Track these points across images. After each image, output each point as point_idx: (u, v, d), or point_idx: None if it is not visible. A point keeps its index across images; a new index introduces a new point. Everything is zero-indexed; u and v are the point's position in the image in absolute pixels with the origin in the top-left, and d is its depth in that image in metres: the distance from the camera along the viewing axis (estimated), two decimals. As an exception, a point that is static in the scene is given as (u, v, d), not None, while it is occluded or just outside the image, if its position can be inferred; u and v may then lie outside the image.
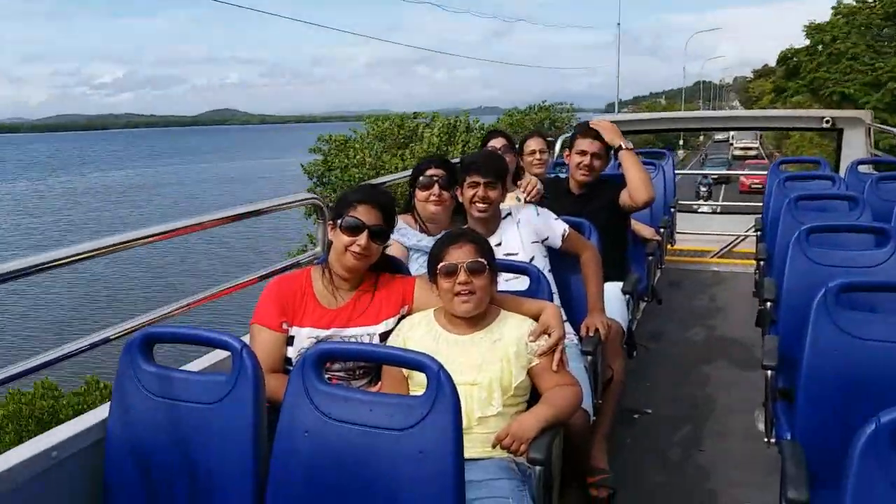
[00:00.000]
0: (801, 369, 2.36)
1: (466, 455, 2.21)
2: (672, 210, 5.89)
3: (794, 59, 32.97)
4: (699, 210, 10.73)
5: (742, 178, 28.14)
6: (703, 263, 7.18)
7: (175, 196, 57.82)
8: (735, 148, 54.99)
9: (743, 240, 7.24)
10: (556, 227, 3.23)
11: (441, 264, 2.35)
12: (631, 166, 3.77)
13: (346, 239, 2.37)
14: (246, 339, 2.23)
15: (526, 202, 3.42)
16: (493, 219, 3.17)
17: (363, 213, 2.38)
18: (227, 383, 1.91)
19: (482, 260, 2.35)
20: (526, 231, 3.17)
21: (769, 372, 2.76)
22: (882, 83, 28.08)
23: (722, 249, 7.33)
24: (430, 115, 23.41)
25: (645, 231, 4.81)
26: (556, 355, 2.37)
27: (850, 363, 2.28)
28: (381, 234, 2.41)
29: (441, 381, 1.73)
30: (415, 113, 23.18)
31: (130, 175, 78.41)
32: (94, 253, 2.29)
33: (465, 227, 2.95)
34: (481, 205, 3.06)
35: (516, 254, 3.11)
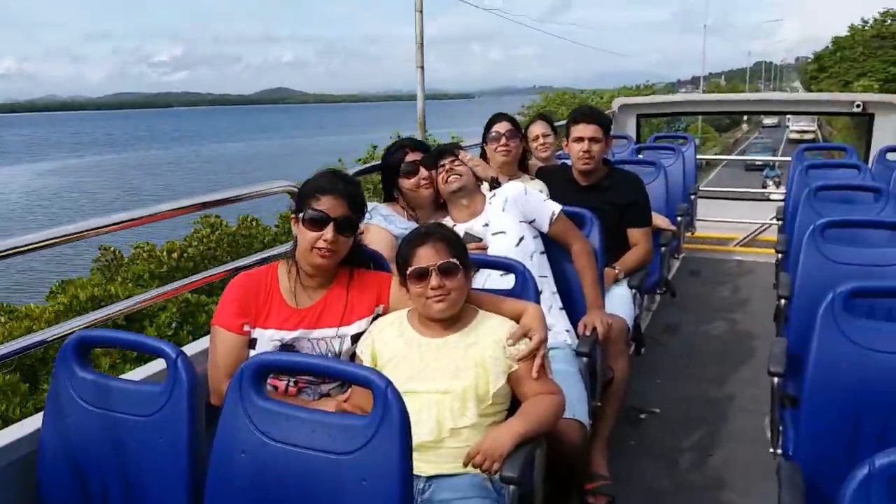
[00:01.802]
0: (804, 380, 2.13)
1: (437, 471, 2.05)
2: (692, 197, 5.62)
3: (823, 59, 53.08)
4: (771, 197, 10.30)
5: None
6: (726, 252, 6.88)
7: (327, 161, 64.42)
8: (791, 131, 53.97)
9: (766, 228, 6.90)
10: (544, 209, 3.00)
11: (410, 268, 2.15)
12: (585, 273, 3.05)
13: (310, 235, 2.18)
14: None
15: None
16: (477, 201, 3.00)
17: (327, 204, 2.17)
18: (162, 394, 1.75)
19: (454, 260, 2.14)
20: (512, 210, 2.95)
21: (775, 378, 2.53)
22: (865, 73, 45.48)
23: (745, 238, 7.01)
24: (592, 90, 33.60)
25: (659, 220, 4.53)
26: (537, 360, 2.17)
27: (858, 377, 2.05)
28: (348, 225, 2.21)
29: (388, 401, 1.53)
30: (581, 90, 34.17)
31: (250, 146, 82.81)
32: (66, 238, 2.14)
33: (436, 221, 2.75)
34: (453, 176, 2.95)
35: (504, 232, 2.91)
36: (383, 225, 2.99)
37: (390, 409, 1.53)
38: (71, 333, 1.89)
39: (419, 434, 2.04)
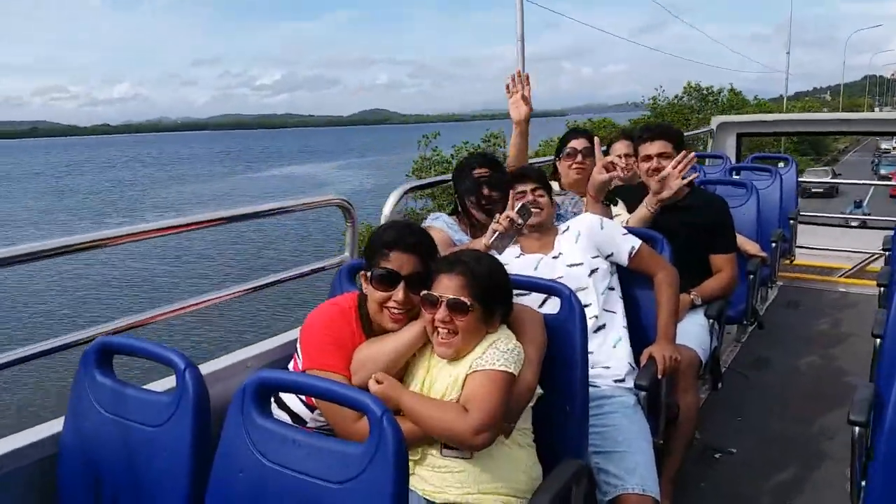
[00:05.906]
0: (881, 432, 1.88)
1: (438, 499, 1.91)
2: (791, 222, 5.24)
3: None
4: (850, 224, 9.55)
5: None
6: (829, 283, 6.39)
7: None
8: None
9: (876, 259, 6.37)
10: (623, 244, 2.79)
11: (424, 291, 2.00)
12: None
13: (378, 295, 2.02)
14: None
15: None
16: (549, 234, 2.83)
17: (396, 261, 2.01)
18: (170, 405, 1.71)
19: (465, 300, 1.94)
20: (586, 245, 2.78)
21: (856, 428, 2.26)
22: None
23: (853, 268, 6.48)
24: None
25: (748, 246, 4.23)
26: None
27: None
28: (420, 281, 2.01)
29: (384, 429, 1.43)
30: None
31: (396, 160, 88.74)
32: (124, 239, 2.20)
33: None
34: (535, 209, 2.75)
35: (580, 263, 2.73)
36: (445, 229, 2.94)
37: (385, 437, 1.42)
38: (94, 338, 1.88)
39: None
